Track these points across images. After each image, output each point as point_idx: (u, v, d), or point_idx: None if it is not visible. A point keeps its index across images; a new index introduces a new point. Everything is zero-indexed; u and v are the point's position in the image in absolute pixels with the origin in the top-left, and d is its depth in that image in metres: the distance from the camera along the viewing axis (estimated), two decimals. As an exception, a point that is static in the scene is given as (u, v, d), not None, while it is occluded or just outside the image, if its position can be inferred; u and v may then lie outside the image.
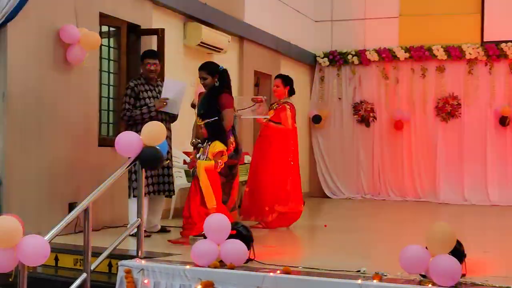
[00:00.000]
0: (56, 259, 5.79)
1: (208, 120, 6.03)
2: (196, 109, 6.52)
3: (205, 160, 5.99)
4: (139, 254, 5.12)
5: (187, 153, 8.91)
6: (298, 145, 7.97)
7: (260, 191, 7.56)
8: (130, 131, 5.27)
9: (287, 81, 7.74)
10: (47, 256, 4.12)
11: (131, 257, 5.15)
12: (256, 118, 7.77)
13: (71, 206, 6.81)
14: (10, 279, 4.16)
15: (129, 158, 5.16)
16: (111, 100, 7.88)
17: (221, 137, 6.09)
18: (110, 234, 6.64)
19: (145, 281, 4.68)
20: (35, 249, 4.02)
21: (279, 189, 7.59)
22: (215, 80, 6.27)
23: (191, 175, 6.27)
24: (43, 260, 4.13)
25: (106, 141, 7.50)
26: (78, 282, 4.67)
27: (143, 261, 4.86)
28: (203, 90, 6.55)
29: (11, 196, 6.14)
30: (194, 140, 6.40)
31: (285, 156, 7.64)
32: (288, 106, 7.76)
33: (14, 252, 4.02)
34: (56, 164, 6.70)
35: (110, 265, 5.43)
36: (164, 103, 6.70)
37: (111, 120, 7.90)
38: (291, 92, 7.90)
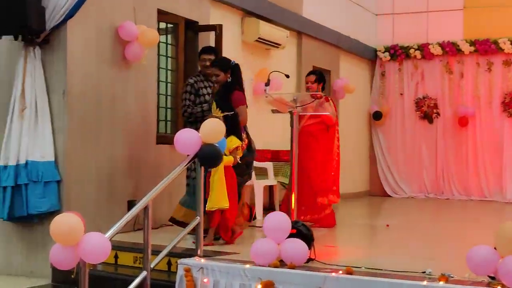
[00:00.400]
0: (116, 256, 5.89)
1: (228, 113, 5.95)
2: (207, 104, 6.51)
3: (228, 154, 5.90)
4: (198, 253, 5.15)
5: (257, 151, 8.94)
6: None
7: (307, 188, 7.41)
8: (189, 129, 5.31)
9: (320, 77, 7.64)
10: (107, 254, 4.19)
11: (190, 255, 5.19)
12: (319, 114, 7.68)
13: (130, 204, 6.92)
14: (72, 276, 4.24)
15: (188, 155, 5.20)
16: (168, 98, 7.97)
17: (237, 132, 6.03)
18: (169, 232, 6.71)
19: (205, 280, 4.71)
20: (96, 247, 4.09)
21: (325, 182, 7.53)
22: (227, 76, 6.25)
23: None
24: (104, 258, 4.20)
25: (164, 139, 7.59)
26: (138, 280, 4.73)
27: (202, 260, 4.90)
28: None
29: (71, 194, 6.29)
30: None
31: (332, 152, 7.55)
32: (331, 101, 7.71)
33: (75, 249, 4.10)
34: (115, 162, 6.82)
35: (169, 263, 5.49)
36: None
37: (168, 118, 7.99)
38: (323, 88, 7.81)
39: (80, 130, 6.41)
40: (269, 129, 9.32)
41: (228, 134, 5.78)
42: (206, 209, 5.58)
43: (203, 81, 6.85)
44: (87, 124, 6.49)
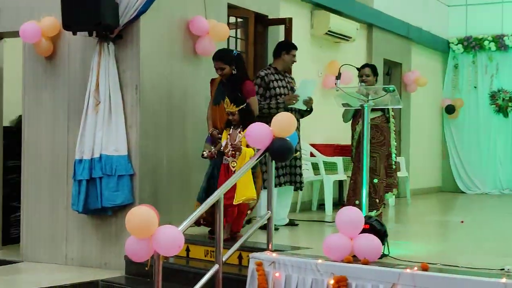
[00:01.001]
0: (188, 250, 5.97)
1: (243, 107, 5.84)
2: (214, 98, 6.29)
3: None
4: (270, 247, 5.17)
5: (314, 146, 8.93)
6: None
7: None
8: (260, 123, 5.32)
9: (375, 70, 7.48)
10: (181, 246, 4.24)
11: (261, 249, 5.22)
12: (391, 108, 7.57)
13: (202, 198, 7.00)
14: (146, 268, 4.32)
15: (259, 149, 5.23)
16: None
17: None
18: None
19: (277, 274, 4.72)
20: (170, 239, 4.14)
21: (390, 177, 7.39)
22: (232, 68, 6.14)
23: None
24: (177, 250, 4.26)
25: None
26: (210, 273, 4.78)
27: (274, 254, 4.91)
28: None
29: (144, 187, 6.41)
30: (213, 130, 6.21)
31: (388, 146, 7.39)
32: None
33: (150, 242, 4.17)
34: (185, 156, 6.91)
35: (240, 257, 5.53)
36: (294, 101, 6.70)
37: (238, 112, 8.02)
38: (376, 81, 7.63)
39: (152, 124, 6.52)
40: (336, 123, 9.26)
41: (243, 127, 5.72)
42: (234, 202, 5.60)
43: (274, 74, 6.84)
44: (159, 119, 6.60)
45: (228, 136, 5.90)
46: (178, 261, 5.91)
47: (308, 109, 6.92)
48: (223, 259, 4.90)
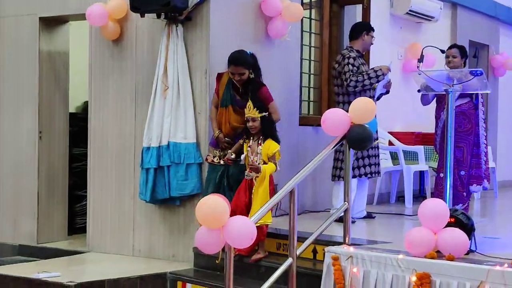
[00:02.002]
0: (259, 242, 6.00)
1: (265, 114, 5.60)
2: (233, 100, 6.01)
3: (262, 162, 5.56)
4: (346, 241, 5.15)
5: (393, 133, 8.82)
6: None
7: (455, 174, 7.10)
8: (337, 109, 5.30)
9: (464, 52, 7.25)
10: (253, 238, 4.26)
11: (337, 243, 5.20)
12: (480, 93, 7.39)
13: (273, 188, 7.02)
14: (217, 261, 4.37)
15: (336, 137, 5.20)
16: (312, 77, 7.99)
17: (274, 134, 5.69)
18: (312, 218, 6.78)
19: (354, 270, 4.70)
20: (242, 231, 4.16)
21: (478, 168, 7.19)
22: (250, 72, 5.94)
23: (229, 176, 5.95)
24: (249, 242, 4.28)
25: (307, 120, 7.64)
26: (283, 267, 4.79)
27: (351, 248, 4.89)
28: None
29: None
30: (219, 133, 5.99)
31: (476, 134, 7.17)
32: None
33: (221, 233, 4.21)
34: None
35: (315, 251, 5.54)
36: (389, 71, 6.69)
37: (312, 98, 8.02)
38: (465, 64, 7.38)
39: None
40: (417, 110, 9.11)
41: (264, 137, 5.60)
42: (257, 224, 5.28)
43: (359, 57, 6.81)
44: (228, 104, 6.64)
45: (249, 149, 5.67)
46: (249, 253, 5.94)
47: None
48: (297, 253, 4.91)
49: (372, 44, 6.97)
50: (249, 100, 5.65)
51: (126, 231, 6.94)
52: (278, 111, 6.01)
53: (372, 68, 6.70)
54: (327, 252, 4.93)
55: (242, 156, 5.68)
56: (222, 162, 5.98)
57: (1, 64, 7.90)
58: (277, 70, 7.12)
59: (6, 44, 7.85)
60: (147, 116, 6.51)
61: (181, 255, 6.55)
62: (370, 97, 6.46)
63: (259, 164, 5.54)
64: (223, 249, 4.36)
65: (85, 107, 8.52)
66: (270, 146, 5.56)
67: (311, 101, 8.03)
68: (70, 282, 5.64)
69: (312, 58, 7.98)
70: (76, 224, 8.33)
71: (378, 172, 6.96)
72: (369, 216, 7.09)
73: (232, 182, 5.93)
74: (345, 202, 5.23)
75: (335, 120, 5.12)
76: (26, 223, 7.65)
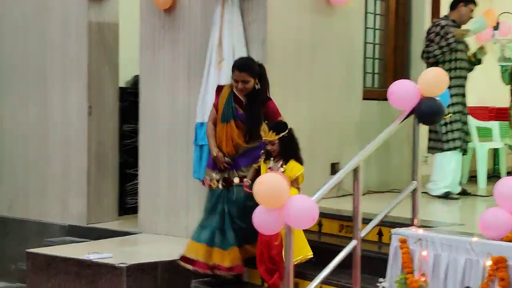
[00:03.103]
0: (320, 224, 6.00)
1: (285, 134, 5.35)
2: (235, 115, 5.70)
3: None
4: (415, 222, 5.09)
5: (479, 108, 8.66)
6: None
7: None
8: (405, 80, 5.21)
9: None
10: (315, 219, 4.25)
11: (405, 225, 5.14)
12: None
13: (333, 167, 7.00)
14: (275, 243, 4.37)
15: (404, 111, 5.11)
16: (376, 47, 7.89)
17: (297, 155, 5.41)
18: (377, 199, 6.73)
19: (424, 253, 4.63)
20: (304, 210, 4.15)
21: None
22: (256, 82, 5.65)
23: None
24: (311, 223, 4.27)
25: (371, 94, 7.57)
26: (347, 250, 4.76)
27: (420, 230, 4.82)
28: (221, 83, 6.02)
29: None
30: (217, 151, 5.69)
31: None
32: None
33: (280, 213, 4.20)
34: (315, 120, 6.92)
35: (380, 233, 5.51)
36: (464, 33, 6.61)
37: (376, 70, 7.93)
38: None
39: (279, 84, 6.53)
40: (492, 83, 8.93)
41: (285, 159, 5.34)
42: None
43: (453, 26, 6.76)
44: (286, 78, 6.62)
45: (269, 171, 5.36)
46: (309, 236, 5.93)
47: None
48: (361, 235, 4.88)
49: (471, 17, 6.97)
50: (263, 123, 5.39)
51: (179, 212, 7.00)
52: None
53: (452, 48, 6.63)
54: (394, 234, 4.88)
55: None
56: (221, 186, 5.68)
57: (49, 36, 8.03)
58: (338, 40, 7.06)
59: (54, 16, 7.97)
60: (200, 90, 6.53)
61: (236, 237, 6.58)
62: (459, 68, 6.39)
63: None
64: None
65: (135, 81, 8.61)
66: (293, 168, 5.30)
67: (376, 73, 7.94)
68: (122, 263, 5.73)
69: (377, 26, 7.87)
70: (127, 204, 8.45)
71: (465, 149, 7.03)
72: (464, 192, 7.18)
73: (236, 210, 5.61)
74: (414, 181, 5.16)
75: (403, 92, 5.03)
76: (76, 203, 7.79)
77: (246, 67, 5.64)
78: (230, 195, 5.64)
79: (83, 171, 7.74)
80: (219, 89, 5.86)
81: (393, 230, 4.93)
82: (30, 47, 8.22)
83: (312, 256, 5.24)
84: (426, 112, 5.00)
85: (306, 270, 5.38)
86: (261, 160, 5.45)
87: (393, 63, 7.93)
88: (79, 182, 7.76)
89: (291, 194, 4.65)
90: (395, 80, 5.27)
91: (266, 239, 5.24)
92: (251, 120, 5.58)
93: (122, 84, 8.48)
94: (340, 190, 6.86)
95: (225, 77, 6.35)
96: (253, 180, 5.22)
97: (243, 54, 6.36)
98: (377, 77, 7.96)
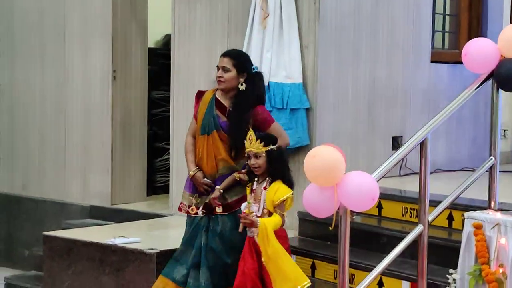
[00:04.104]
0: (379, 206, 5.98)
1: (273, 147, 4.97)
2: (217, 124, 5.36)
3: (263, 214, 4.89)
4: (492, 205, 5.04)
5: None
6: None
7: None
8: (483, 39, 5.13)
9: None
10: (375, 199, 4.20)
11: (480, 208, 5.10)
12: None
13: (395, 141, 6.98)
14: (330, 228, 4.35)
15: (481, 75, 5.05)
16: (447, 1, 7.81)
17: (285, 174, 5.03)
18: (447, 179, 6.68)
19: (502, 241, 4.59)
20: (362, 189, 4.12)
21: None
22: (239, 81, 5.30)
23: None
24: (370, 204, 4.23)
25: (441, 56, 7.51)
26: (411, 236, 4.74)
27: (498, 214, 4.78)
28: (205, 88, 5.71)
29: (323, 125, 6.49)
30: (196, 170, 5.37)
31: None
32: None
33: (335, 192, 4.19)
34: (376, 87, 6.90)
35: (451, 218, 5.48)
36: None
37: (447, 28, 7.85)
38: None
39: (335, 45, 6.52)
40: None
41: (271, 178, 4.96)
42: None
43: None
44: (342, 37, 6.59)
45: (252, 195, 5.03)
46: (367, 220, 5.95)
47: None
48: (429, 219, 4.85)
49: None
50: (250, 129, 5.03)
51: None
52: (284, 132, 5.40)
53: None
54: (468, 218, 4.84)
55: (243, 206, 5.01)
56: (200, 213, 5.35)
57: (68, -10, 8.09)
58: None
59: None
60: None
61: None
62: None
63: (255, 215, 4.87)
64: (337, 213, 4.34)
65: (166, 41, 8.65)
66: (277, 190, 4.88)
67: (447, 31, 7.86)
68: (151, 249, 5.79)
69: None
70: (156, 182, 8.52)
71: None
72: None
73: (221, 244, 5.27)
74: (491, 157, 5.10)
75: (480, 53, 4.96)
76: (98, 180, 7.88)
77: (232, 54, 5.43)
78: (213, 226, 5.31)
79: (107, 144, 7.81)
80: (199, 94, 5.54)
81: (466, 214, 4.89)
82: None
83: (310, 284, 4.90)
84: (507, 75, 4.93)
85: (363, 260, 5.38)
86: (244, 176, 5.12)
87: (468, 19, 7.83)
88: (102, 157, 7.84)
89: (270, 225, 4.73)
90: (470, 39, 5.20)
91: (249, 274, 4.93)
92: (233, 129, 5.21)
93: (151, 44, 8.51)
94: (402, 168, 6.84)
95: (270, 35, 6.34)
96: (227, 189, 5.17)
97: (292, 9, 6.35)
98: (448, 36, 7.87)
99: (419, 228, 4.77)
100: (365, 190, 4.16)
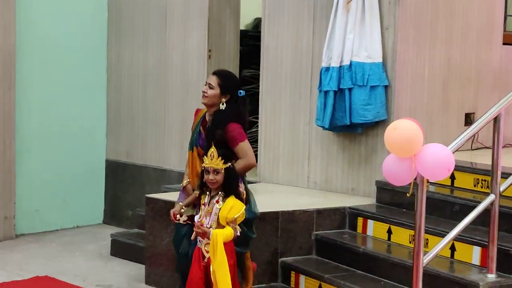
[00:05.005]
0: (453, 177, 5.85)
1: (230, 164, 4.69)
2: (196, 141, 5.13)
3: (216, 226, 4.61)
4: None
5: None
6: None
7: None
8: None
9: None
10: (451, 170, 4.15)
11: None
12: None
13: (468, 118, 6.84)
14: (408, 194, 4.29)
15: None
16: (519, -13, 7.58)
17: (236, 190, 4.74)
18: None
19: None
20: (439, 160, 4.06)
21: None
22: (221, 100, 5.00)
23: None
24: (446, 174, 4.18)
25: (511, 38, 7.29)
26: (483, 205, 4.66)
27: None
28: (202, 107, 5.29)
29: (400, 102, 6.35)
30: (187, 182, 5.16)
31: None
32: None
33: (413, 162, 4.12)
34: (451, 66, 6.75)
35: (520, 188, 5.33)
36: None
37: (518, 13, 7.62)
38: None
39: (413, 26, 6.37)
40: None
41: (225, 193, 4.66)
42: None
43: None
44: (421, 20, 6.44)
45: (202, 207, 4.73)
46: (440, 190, 5.83)
47: None
48: (500, 190, 4.74)
49: None
50: (212, 146, 4.71)
51: (301, 161, 6.99)
52: (252, 154, 5.01)
53: None
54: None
55: (196, 217, 4.73)
56: (182, 220, 5.00)
57: (168, -24, 8.11)
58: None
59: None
60: (326, 32, 6.43)
61: (361, 189, 6.53)
62: None
63: (210, 226, 4.60)
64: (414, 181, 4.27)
65: (256, 24, 8.62)
66: (232, 207, 4.60)
67: (518, 16, 7.63)
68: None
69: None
70: (247, 152, 8.51)
71: None
72: None
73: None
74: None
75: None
76: (194, 150, 7.90)
77: (220, 74, 5.14)
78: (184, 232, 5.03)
79: (202, 117, 7.82)
80: (197, 112, 5.31)
81: (536, 184, 4.77)
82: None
83: None
84: None
85: (436, 227, 5.29)
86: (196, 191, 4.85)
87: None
88: (198, 129, 7.86)
89: (221, 235, 4.48)
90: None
91: (195, 279, 4.68)
92: (207, 145, 4.88)
93: (242, 27, 8.48)
94: (474, 143, 6.68)
95: (353, 18, 6.24)
96: (188, 205, 4.95)
97: (375, -7, 6.22)
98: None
99: (490, 198, 4.70)
100: (442, 161, 4.10)
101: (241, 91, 5.11)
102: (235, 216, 4.57)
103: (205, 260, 4.64)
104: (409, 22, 6.32)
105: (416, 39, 6.39)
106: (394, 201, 6.04)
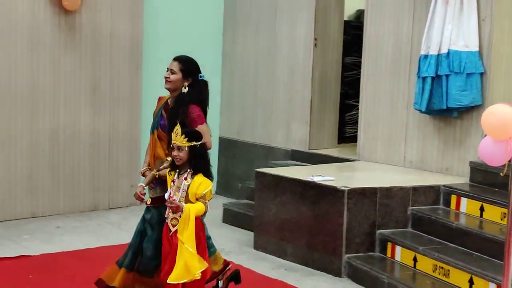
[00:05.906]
0: (544, 160, 5.64)
1: (196, 143, 4.44)
2: (157, 123, 4.83)
3: (184, 202, 4.38)
4: None
5: None
6: None
7: None
8: None
9: None
10: (545, 152, 4.00)
11: None
12: None
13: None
14: (501, 174, 4.17)
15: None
16: None
17: (207, 168, 4.49)
18: None
19: None
20: (534, 143, 3.93)
21: None
22: (183, 84, 4.76)
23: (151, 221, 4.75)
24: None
25: None
26: None
27: None
28: (164, 95, 4.99)
29: (494, 88, 6.16)
30: (146, 169, 4.84)
31: None
32: None
33: (508, 144, 4.00)
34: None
35: None
36: None
37: None
38: None
39: (509, 18, 6.16)
40: None
41: (194, 171, 4.44)
42: (168, 281, 4.32)
43: None
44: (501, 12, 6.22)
45: (172, 184, 4.51)
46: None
47: None
48: None
49: None
50: (178, 124, 4.49)
51: (398, 142, 6.90)
52: (209, 136, 4.67)
53: None
54: None
55: (166, 195, 4.50)
56: (149, 203, 4.78)
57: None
58: None
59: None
60: (425, 22, 6.31)
61: (455, 169, 6.39)
62: None
63: (180, 201, 4.40)
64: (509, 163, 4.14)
65: (358, 15, 8.53)
66: (200, 184, 4.40)
67: None
68: (344, 187, 5.76)
69: None
70: (346, 133, 8.49)
71: None
72: None
73: (151, 227, 4.75)
74: None
75: None
76: (299, 129, 7.93)
77: (181, 59, 4.84)
78: (145, 215, 4.83)
79: (307, 100, 7.83)
80: (159, 100, 5.04)
81: None
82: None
83: (200, 276, 4.36)
84: None
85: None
86: (166, 168, 4.61)
87: None
88: (303, 110, 7.87)
89: (194, 210, 4.31)
90: None
91: (166, 257, 4.47)
92: (169, 127, 4.65)
93: (345, 18, 8.41)
94: None
95: (452, 9, 6.09)
96: (147, 184, 4.74)
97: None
98: None
99: None
100: (537, 144, 3.95)
101: (201, 74, 4.85)
102: (203, 192, 4.39)
103: (171, 234, 4.42)
104: (505, 14, 6.11)
105: (511, 30, 6.17)
106: (486, 181, 5.90)
